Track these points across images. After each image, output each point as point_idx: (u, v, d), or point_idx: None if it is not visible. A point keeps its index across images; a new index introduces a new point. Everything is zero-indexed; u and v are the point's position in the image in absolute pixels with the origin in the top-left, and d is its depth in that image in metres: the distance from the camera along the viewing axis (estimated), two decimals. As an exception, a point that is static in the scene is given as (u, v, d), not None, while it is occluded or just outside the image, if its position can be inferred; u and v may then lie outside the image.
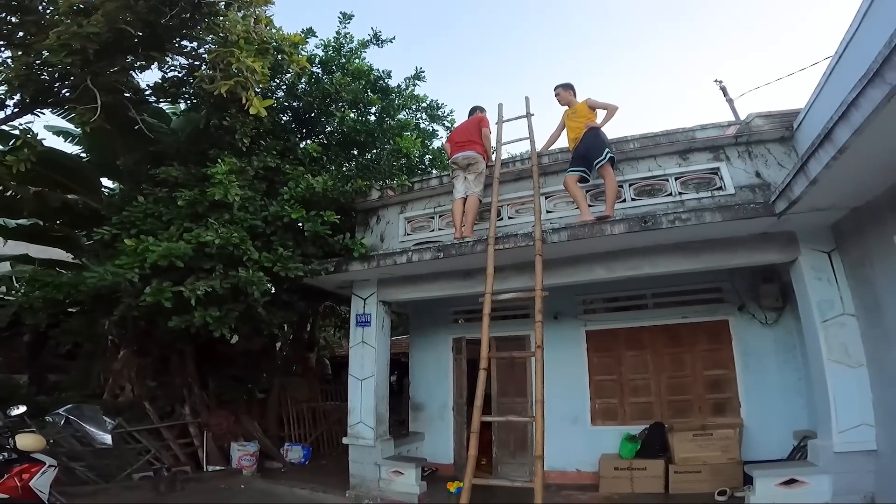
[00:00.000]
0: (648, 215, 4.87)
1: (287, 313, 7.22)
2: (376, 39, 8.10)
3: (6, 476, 4.46)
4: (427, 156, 8.66)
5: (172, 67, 6.43)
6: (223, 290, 5.63)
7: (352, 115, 7.88)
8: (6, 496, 4.45)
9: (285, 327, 9.69)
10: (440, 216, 6.71)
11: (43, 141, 5.65)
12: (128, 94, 6.17)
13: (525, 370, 6.91)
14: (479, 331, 5.14)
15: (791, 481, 4.48)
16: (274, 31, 6.36)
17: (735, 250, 5.07)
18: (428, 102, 8.56)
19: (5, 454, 4.64)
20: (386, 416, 6.71)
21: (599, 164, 5.38)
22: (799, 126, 5.13)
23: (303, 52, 7.10)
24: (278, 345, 9.89)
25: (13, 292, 7.88)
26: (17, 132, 5.51)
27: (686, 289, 6.47)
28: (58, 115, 6.61)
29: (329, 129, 8.07)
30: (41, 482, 4.68)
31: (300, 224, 6.18)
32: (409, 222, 6.96)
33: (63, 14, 4.79)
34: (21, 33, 5.35)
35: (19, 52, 5.35)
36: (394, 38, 8.16)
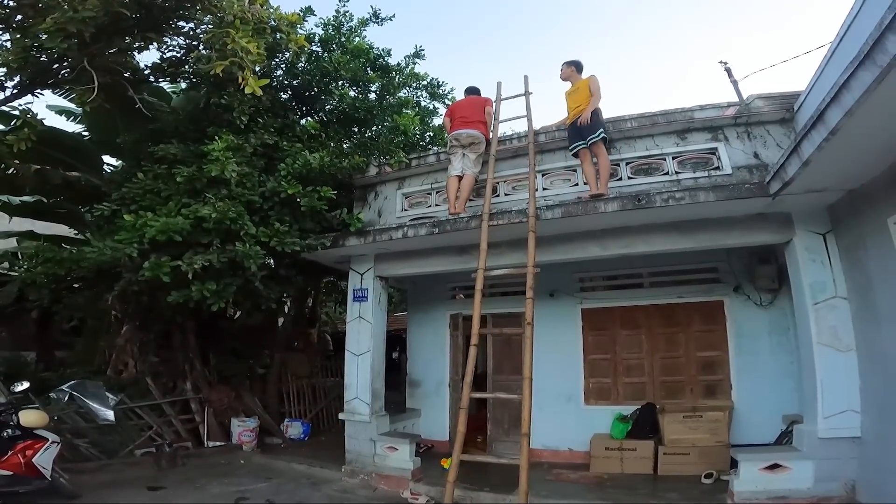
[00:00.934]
0: (642, 194, 4.84)
1: (285, 288, 7.30)
2: (376, 17, 8.02)
3: (10, 452, 4.59)
4: (428, 133, 8.65)
5: (170, 48, 6.43)
6: (220, 264, 5.70)
7: (351, 93, 7.86)
8: (10, 472, 4.56)
9: (287, 303, 9.81)
10: (437, 192, 6.71)
11: (44, 120, 5.70)
12: (126, 75, 6.20)
13: (521, 348, 6.94)
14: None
15: (774, 466, 4.50)
16: (271, 10, 6.31)
17: (730, 230, 5.03)
18: (428, 80, 8.54)
19: (9, 430, 4.77)
20: (382, 392, 6.80)
21: (592, 140, 5.35)
22: (799, 108, 5.05)
23: (301, 31, 7.04)
24: (280, 320, 10.01)
25: (16, 268, 8.01)
26: (17, 112, 5.56)
27: (682, 268, 6.45)
28: (58, 95, 6.64)
29: (329, 106, 8.05)
30: (44, 458, 4.80)
31: (297, 199, 6.20)
32: (406, 198, 6.96)
33: None
34: (19, 16, 5.35)
35: (17, 35, 5.38)
36: (393, 16, 8.08)
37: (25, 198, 7.96)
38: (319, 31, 7.91)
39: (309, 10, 7.54)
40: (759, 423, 5.67)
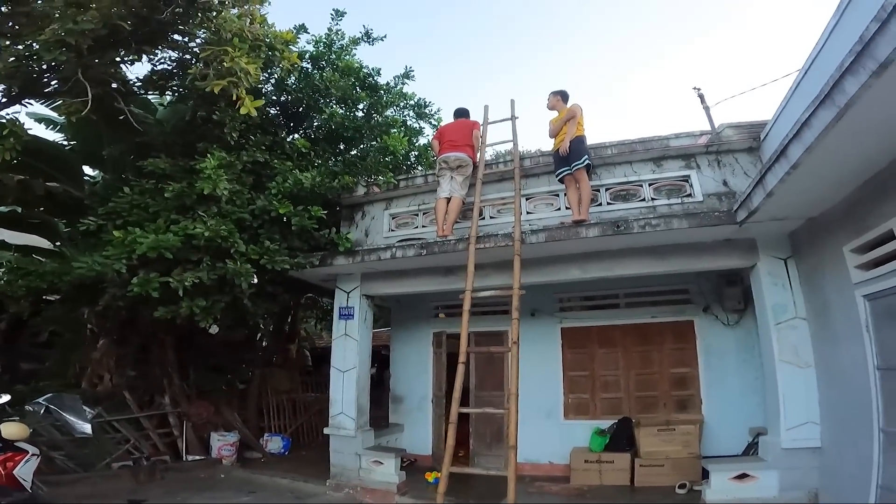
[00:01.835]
0: (621, 220, 5.16)
1: (271, 304, 7.34)
2: (367, 37, 8.22)
3: (-9, 465, 4.53)
4: (413, 153, 8.82)
5: (162, 60, 6.47)
6: (210, 281, 5.74)
7: (340, 110, 7.96)
8: None
9: (266, 318, 9.79)
10: (424, 213, 6.90)
11: (29, 130, 5.65)
12: (115, 86, 6.19)
13: (502, 365, 7.17)
14: (460, 325, 5.35)
15: (743, 476, 4.81)
16: (267, 28, 6.41)
17: (700, 255, 5.38)
18: (416, 100, 8.72)
19: (-10, 443, 4.69)
20: (367, 408, 6.89)
21: (577, 167, 5.63)
22: (765, 137, 5.40)
23: (294, 49, 7.16)
24: (259, 336, 9.97)
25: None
26: (3, 121, 5.49)
27: (656, 290, 6.80)
28: (42, 104, 6.58)
29: (316, 123, 8.16)
30: (24, 470, 4.76)
31: (287, 218, 6.28)
32: (393, 218, 7.12)
33: (57, 8, 4.79)
34: (11, 23, 5.33)
35: (7, 43, 5.34)
36: (385, 36, 8.31)
37: (0, 207, 7.78)
38: (311, 48, 8.04)
39: (302, 28, 7.71)
40: (728, 435, 6.00)
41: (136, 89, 6.72)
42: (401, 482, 6.15)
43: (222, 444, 7.84)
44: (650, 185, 5.86)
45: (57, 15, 4.97)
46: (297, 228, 6.37)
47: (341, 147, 8.31)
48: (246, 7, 5.93)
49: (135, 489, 6.22)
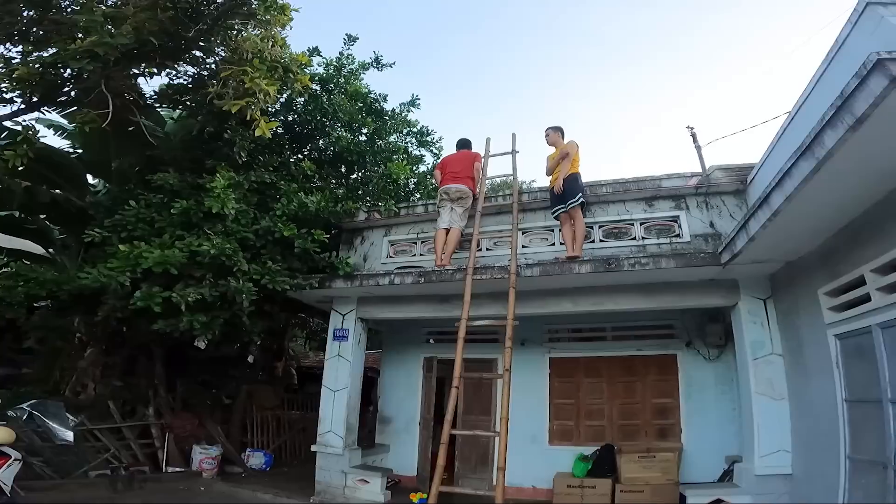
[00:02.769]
0: (612, 258, 5.45)
1: (267, 323, 7.41)
2: (377, 63, 8.50)
3: (-27, 468, 4.55)
4: (412, 179, 9.06)
5: (178, 75, 6.63)
6: (212, 297, 5.84)
7: (345, 134, 8.15)
8: None
9: (261, 336, 9.79)
10: (422, 242, 7.12)
11: (42, 138, 5.76)
12: (131, 98, 6.33)
13: (490, 391, 7.35)
14: (450, 351, 5.56)
15: (718, 501, 5.04)
16: (286, 50, 6.61)
17: (686, 293, 5.71)
18: (419, 128, 8.97)
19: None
20: (356, 427, 6.98)
21: (572, 205, 5.91)
22: (752, 181, 5.72)
23: (307, 71, 7.36)
24: (248, 352, 9.97)
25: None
26: (18, 128, 5.58)
27: (642, 324, 7.09)
28: (56, 112, 6.67)
29: (321, 145, 8.35)
30: (6, 475, 4.86)
31: (290, 239, 6.42)
32: (392, 245, 7.32)
33: (95, 21, 4.89)
34: (37, 29, 5.43)
35: (30, 48, 5.45)
36: (394, 63, 8.58)
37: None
38: (321, 70, 8.27)
39: (315, 51, 7.95)
40: (706, 462, 6.23)
41: (152, 102, 6.84)
42: (386, 501, 6.25)
43: (204, 457, 7.79)
44: (641, 224, 6.19)
45: (83, 25, 5.03)
46: (301, 251, 6.49)
47: (343, 170, 8.51)
48: (269, 28, 6.13)
49: (111, 497, 6.16)
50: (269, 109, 7.50)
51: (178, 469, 7.65)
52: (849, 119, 2.63)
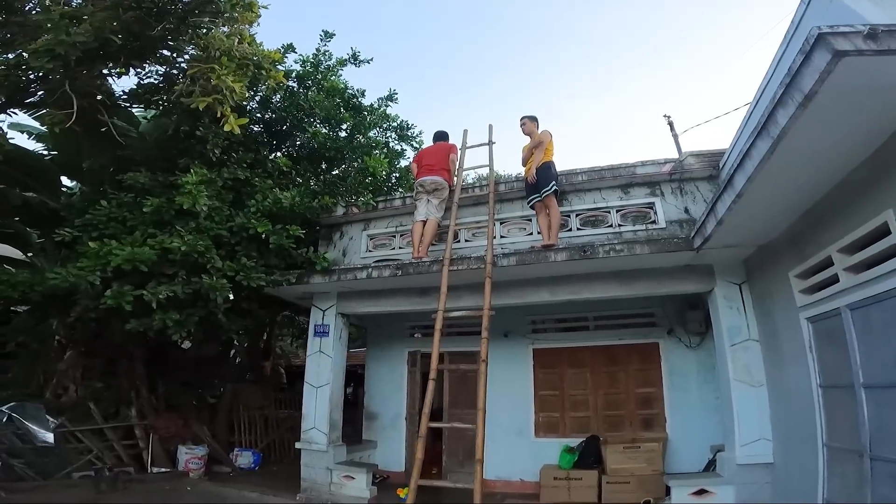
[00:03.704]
0: (588, 245, 5.41)
1: (246, 321, 7.36)
2: (354, 59, 8.45)
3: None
4: (394, 174, 9.01)
5: (149, 74, 6.58)
6: (185, 295, 5.78)
7: (323, 130, 8.13)
8: None
9: (241, 334, 9.75)
10: (401, 235, 7.07)
11: (10, 139, 5.70)
12: (100, 98, 6.27)
13: (476, 384, 7.27)
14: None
15: (701, 491, 5.01)
16: (255, 47, 6.54)
17: (663, 280, 5.65)
18: (398, 122, 8.94)
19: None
20: (339, 423, 6.93)
21: (546, 193, 5.88)
22: (723, 166, 5.66)
23: (280, 67, 7.31)
24: (233, 352, 9.92)
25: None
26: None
27: (623, 313, 7.05)
28: (25, 114, 6.61)
29: (299, 142, 8.30)
30: None
31: (265, 236, 6.37)
32: (371, 239, 7.27)
33: (51, 20, 4.86)
34: (4, 32, 5.39)
35: None
36: (371, 59, 8.55)
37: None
38: (298, 67, 8.21)
39: (290, 48, 7.89)
40: (690, 452, 6.20)
41: (121, 102, 6.79)
42: (372, 497, 6.20)
43: (190, 456, 7.73)
44: (618, 211, 6.15)
45: (49, 26, 5.04)
46: (275, 247, 6.44)
47: (323, 167, 8.46)
48: (236, 26, 6.08)
49: (95, 498, 6.11)
50: (246, 106, 7.45)
51: (163, 470, 7.59)
52: (798, 96, 2.59)
